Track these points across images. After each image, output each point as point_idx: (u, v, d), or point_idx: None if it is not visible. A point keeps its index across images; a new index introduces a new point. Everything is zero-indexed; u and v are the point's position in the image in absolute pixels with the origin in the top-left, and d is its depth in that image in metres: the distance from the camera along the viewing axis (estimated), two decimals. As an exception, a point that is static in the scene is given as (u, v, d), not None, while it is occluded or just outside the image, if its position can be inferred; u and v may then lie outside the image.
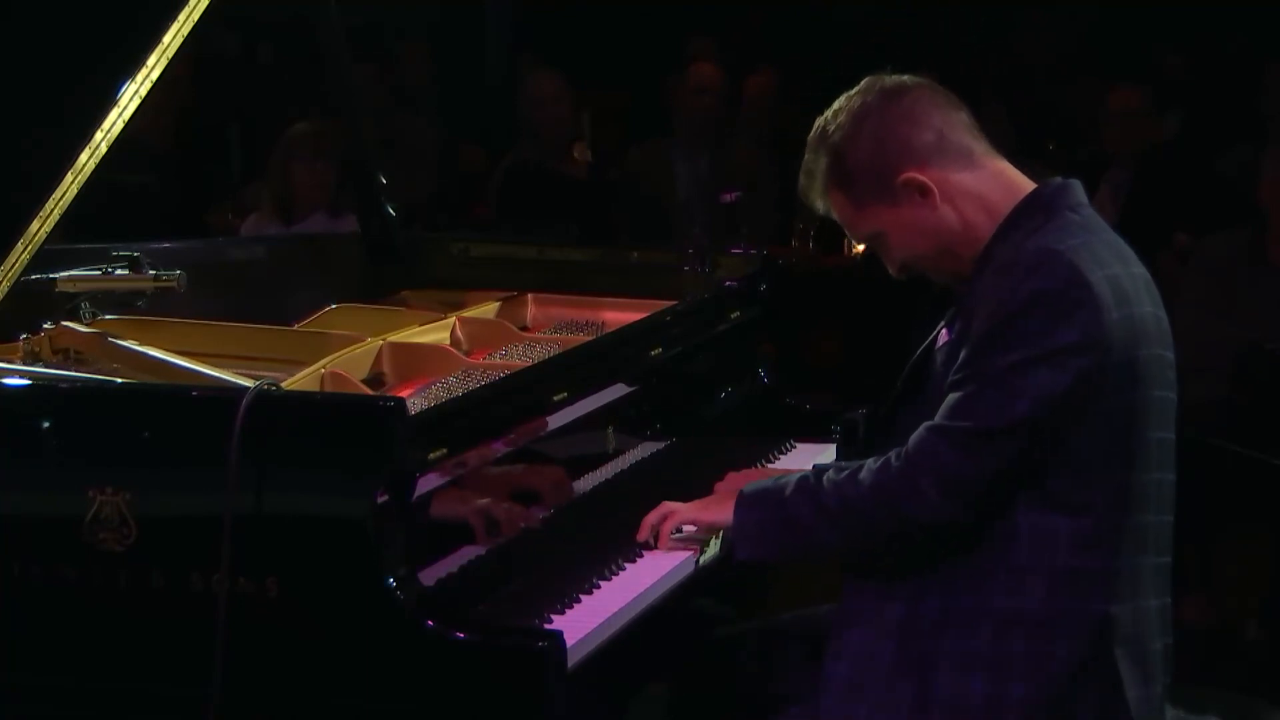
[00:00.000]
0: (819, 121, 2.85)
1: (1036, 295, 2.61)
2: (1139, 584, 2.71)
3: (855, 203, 2.81)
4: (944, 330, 2.80)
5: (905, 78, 2.82)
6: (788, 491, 2.79)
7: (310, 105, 6.22)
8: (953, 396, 2.67)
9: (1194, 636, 5.13)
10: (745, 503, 2.84)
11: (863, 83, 2.84)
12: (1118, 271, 2.69)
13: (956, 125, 2.79)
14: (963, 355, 2.67)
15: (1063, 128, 8.06)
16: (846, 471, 2.76)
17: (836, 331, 6.22)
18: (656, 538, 2.98)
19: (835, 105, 2.84)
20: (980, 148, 2.80)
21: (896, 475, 2.69)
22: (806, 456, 3.44)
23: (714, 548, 2.99)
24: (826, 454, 3.57)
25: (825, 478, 2.77)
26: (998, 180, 2.78)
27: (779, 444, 3.63)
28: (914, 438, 2.69)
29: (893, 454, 2.71)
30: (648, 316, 3.58)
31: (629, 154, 7.69)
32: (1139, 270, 2.77)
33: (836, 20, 9.50)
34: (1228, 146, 7.02)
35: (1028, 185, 2.79)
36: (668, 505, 3.01)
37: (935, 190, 2.75)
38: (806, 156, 2.85)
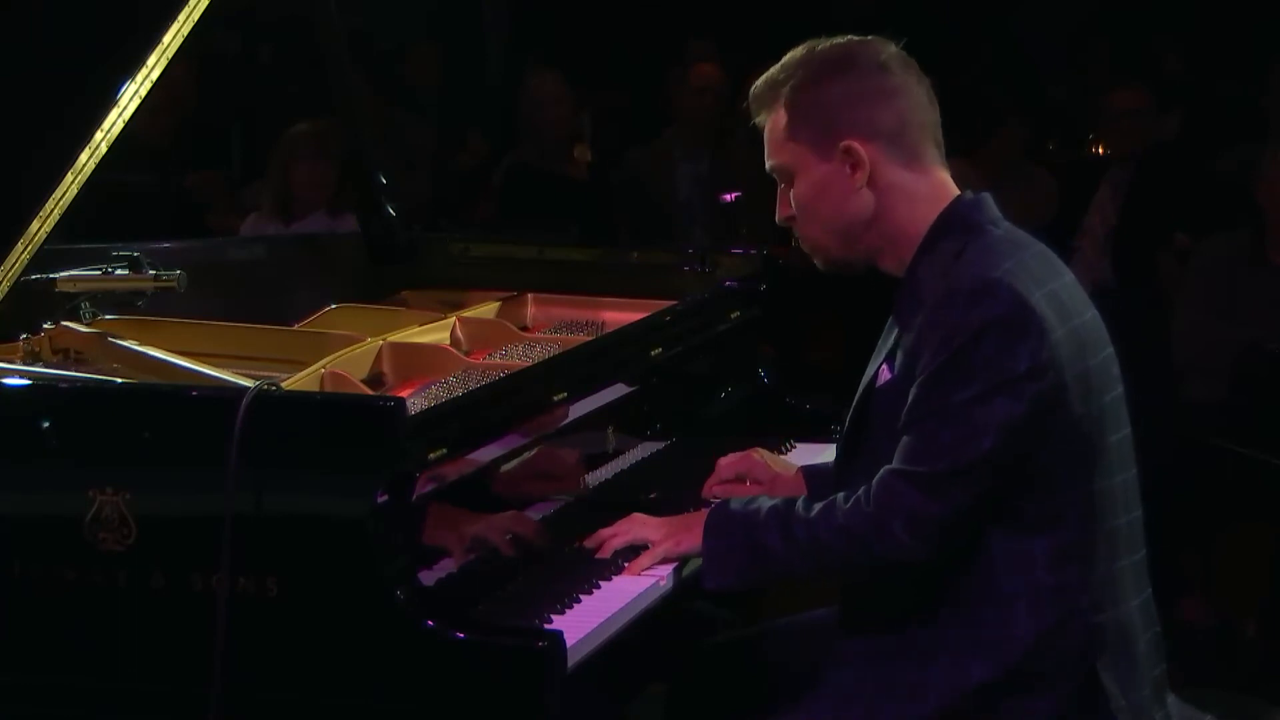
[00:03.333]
0: (812, 42, 2.83)
1: (982, 326, 2.57)
2: (1117, 589, 2.69)
3: (790, 132, 2.78)
4: (884, 367, 2.75)
5: (906, 57, 2.80)
6: (760, 516, 2.75)
7: (310, 105, 6.22)
8: (910, 437, 2.63)
9: (1194, 636, 5.13)
10: (712, 529, 2.79)
11: (871, 38, 2.82)
12: (1054, 286, 2.66)
13: (921, 125, 2.76)
14: (914, 393, 2.62)
15: (1064, 128, 8.07)
16: (818, 509, 2.71)
17: (836, 332, 6.24)
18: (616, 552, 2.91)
19: (836, 39, 2.82)
20: (931, 155, 2.77)
21: (866, 520, 2.65)
22: (806, 456, 3.43)
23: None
24: (826, 454, 3.56)
25: (796, 510, 2.73)
26: (933, 191, 2.75)
27: (779, 444, 3.63)
28: (878, 483, 2.65)
29: (861, 494, 2.67)
30: (648, 316, 3.58)
31: (629, 154, 7.69)
32: (1070, 278, 2.74)
33: (836, 20, 9.50)
34: (1228, 146, 7.02)
35: (949, 199, 2.76)
36: (638, 522, 2.94)
37: (867, 169, 2.73)
38: (778, 69, 2.81)
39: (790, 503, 2.76)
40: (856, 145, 2.73)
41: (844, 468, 2.84)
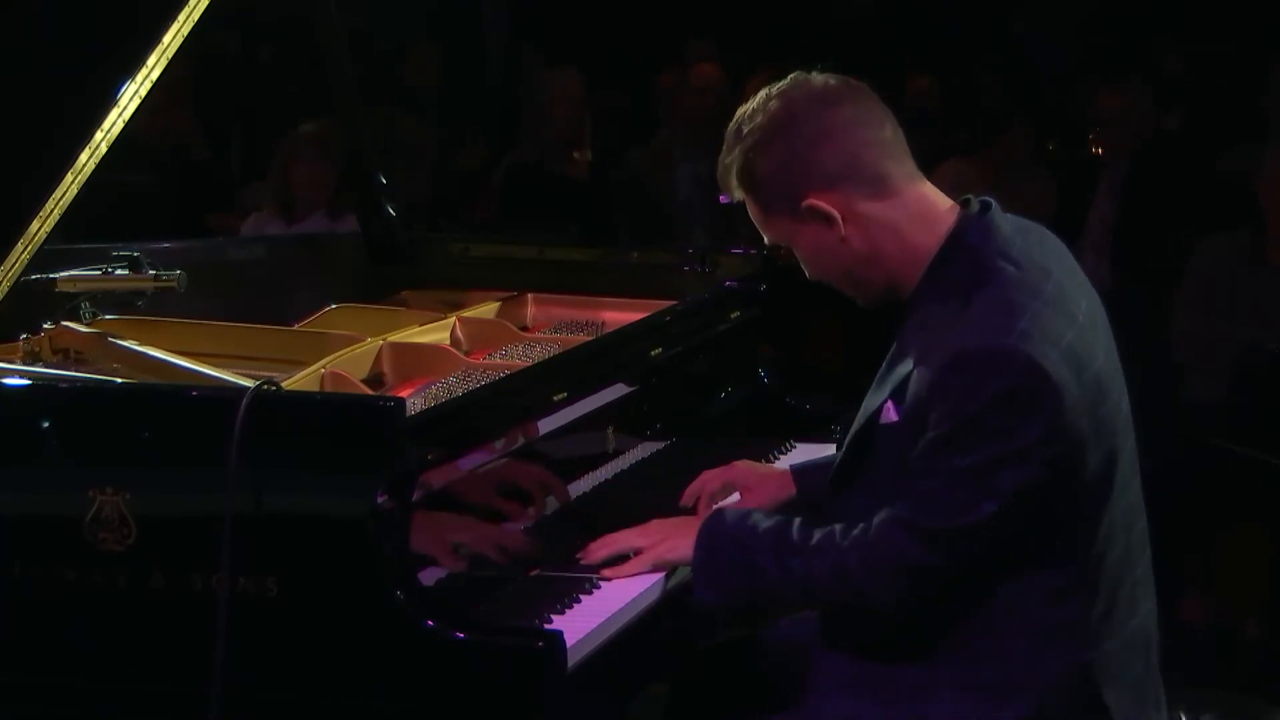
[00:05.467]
0: (738, 114, 2.74)
1: (994, 398, 2.50)
2: (1123, 612, 2.65)
3: (763, 209, 2.74)
4: (889, 405, 2.66)
5: (833, 82, 2.69)
6: (756, 534, 2.70)
7: (310, 105, 6.23)
8: (917, 490, 2.57)
9: (1194, 636, 5.14)
10: (704, 542, 2.75)
11: (788, 81, 2.72)
12: (1070, 336, 2.57)
13: (874, 147, 2.65)
14: (923, 447, 2.56)
15: (1064, 128, 8.08)
16: (815, 539, 2.66)
17: (836, 332, 6.23)
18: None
19: (756, 101, 2.72)
20: (900, 172, 2.67)
21: (863, 565, 2.61)
22: (806, 456, 3.43)
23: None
24: (826, 453, 3.57)
25: (792, 538, 2.67)
26: (914, 210, 2.66)
27: (779, 444, 3.63)
28: (878, 531, 2.60)
29: (859, 534, 2.62)
30: (648, 316, 3.58)
31: (629, 154, 7.69)
32: (1085, 303, 2.65)
33: (836, 20, 9.52)
34: (1228, 146, 7.02)
35: (947, 216, 2.67)
36: (616, 538, 2.90)
37: (840, 219, 2.65)
38: (723, 149, 2.75)
39: (786, 525, 2.71)
40: (816, 202, 2.65)
41: (839, 493, 2.77)
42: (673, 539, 2.85)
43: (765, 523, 2.73)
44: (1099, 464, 2.59)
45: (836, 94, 2.68)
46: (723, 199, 2.80)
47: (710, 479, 3.13)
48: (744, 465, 3.16)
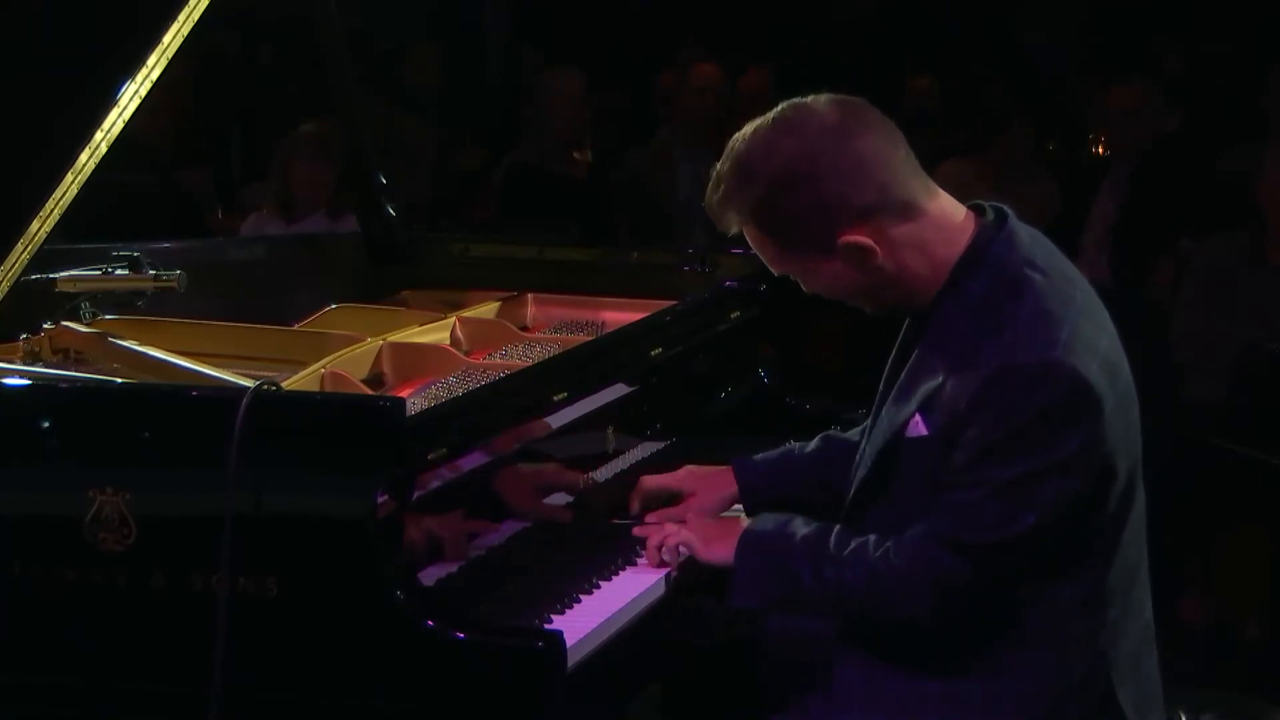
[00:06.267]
0: (739, 149, 2.62)
1: (1042, 411, 2.49)
2: (1132, 614, 2.66)
3: (779, 248, 2.66)
4: (918, 418, 2.62)
5: (837, 108, 2.60)
6: (793, 541, 2.69)
7: (310, 105, 6.23)
8: (954, 506, 2.55)
9: (1194, 636, 5.14)
10: (745, 549, 2.74)
11: (789, 112, 2.61)
12: (1105, 345, 2.58)
13: (898, 170, 2.59)
14: (959, 461, 2.54)
15: (1064, 128, 8.08)
16: (850, 549, 2.64)
17: (836, 332, 6.24)
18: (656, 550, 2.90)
19: (758, 137, 2.61)
20: (921, 190, 2.62)
21: (897, 578, 2.59)
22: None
23: None
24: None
25: (828, 547, 2.66)
26: (938, 226, 2.62)
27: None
28: (914, 547, 2.59)
29: (892, 547, 2.61)
30: (648, 316, 3.58)
31: (629, 154, 7.69)
32: (1104, 310, 2.65)
33: (836, 20, 9.52)
34: (1228, 146, 7.02)
35: (965, 225, 2.64)
36: (671, 527, 2.92)
37: (878, 250, 2.59)
38: (725, 185, 2.62)
39: (824, 533, 2.69)
40: (854, 238, 2.59)
41: (862, 507, 2.74)
42: (715, 542, 2.83)
43: (803, 530, 2.72)
44: (1126, 471, 2.60)
45: (848, 123, 2.60)
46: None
47: (649, 481, 3.11)
48: (690, 469, 3.13)
